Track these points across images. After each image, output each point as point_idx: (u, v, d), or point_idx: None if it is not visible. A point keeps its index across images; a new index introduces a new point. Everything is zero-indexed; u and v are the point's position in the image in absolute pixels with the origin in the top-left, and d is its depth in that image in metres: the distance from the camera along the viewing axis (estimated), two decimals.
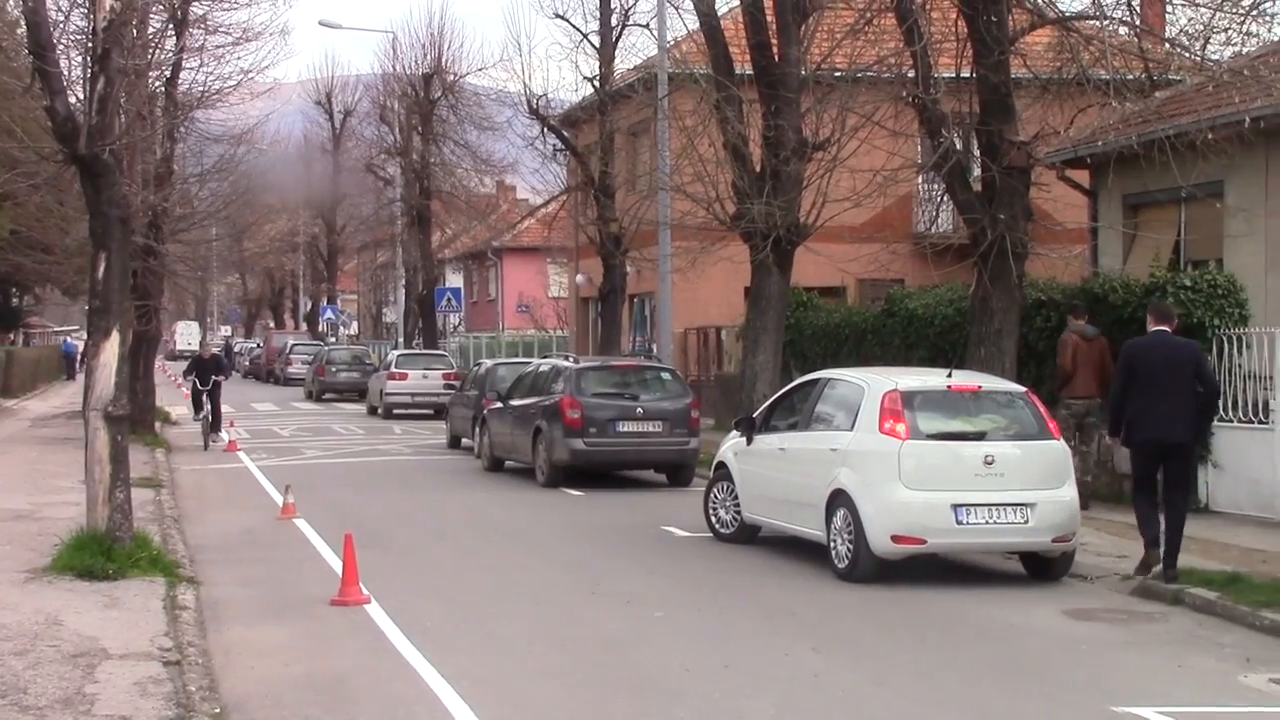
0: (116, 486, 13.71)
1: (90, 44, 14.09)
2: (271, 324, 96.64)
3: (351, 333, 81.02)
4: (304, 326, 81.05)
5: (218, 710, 9.10)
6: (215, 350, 34.27)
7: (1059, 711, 9.59)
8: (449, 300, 52.25)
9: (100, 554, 13.28)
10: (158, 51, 24.13)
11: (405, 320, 55.65)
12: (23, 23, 14.58)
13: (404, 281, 54.88)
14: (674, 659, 10.84)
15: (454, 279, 68.22)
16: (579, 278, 42.48)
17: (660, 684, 10.12)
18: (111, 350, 13.76)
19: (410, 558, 15.85)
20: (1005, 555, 14.92)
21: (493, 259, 66.73)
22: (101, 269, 13.89)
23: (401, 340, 55.15)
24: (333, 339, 70.59)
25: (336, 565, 14.01)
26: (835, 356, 25.74)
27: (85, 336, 16.22)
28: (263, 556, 15.82)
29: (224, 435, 30.44)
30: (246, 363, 75.21)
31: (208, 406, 29.92)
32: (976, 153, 19.28)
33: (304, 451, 29.56)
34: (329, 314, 73.98)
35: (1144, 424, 13.74)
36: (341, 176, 66.47)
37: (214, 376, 30.19)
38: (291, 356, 62.89)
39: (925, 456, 13.86)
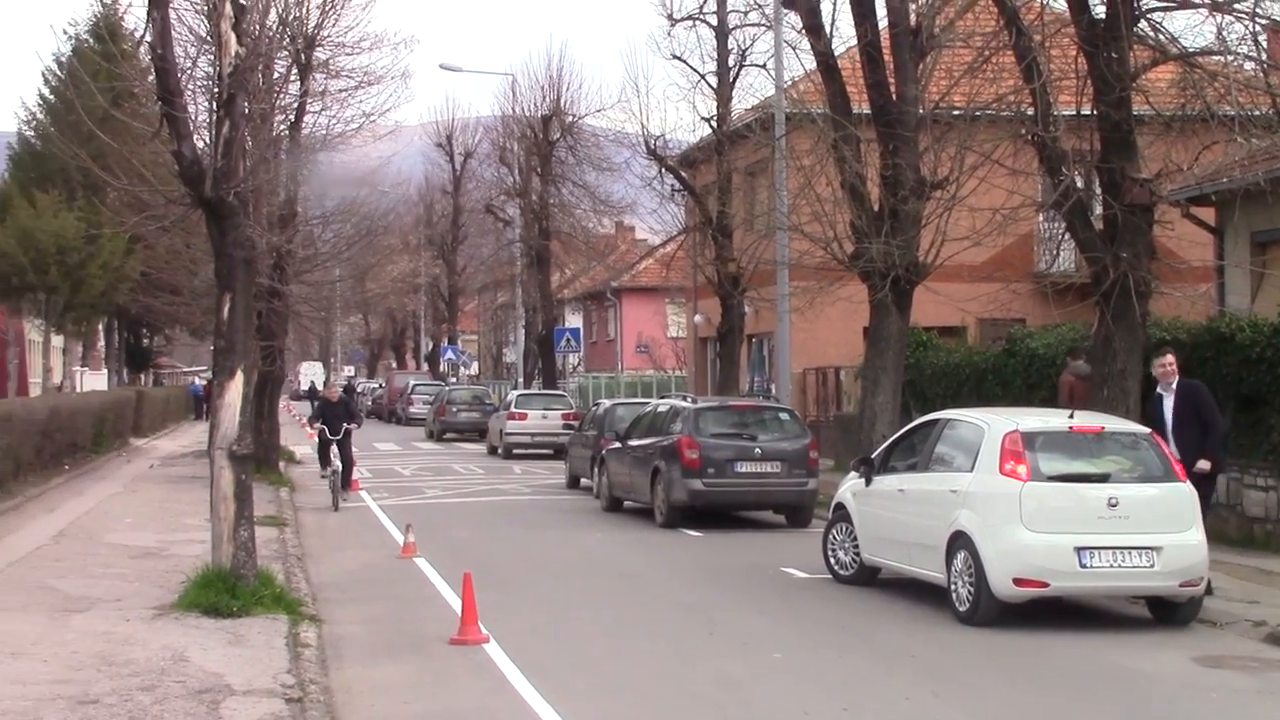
0: (241, 525, 13.91)
1: (216, 89, 14.40)
2: (394, 364, 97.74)
3: (472, 373, 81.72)
4: (425, 366, 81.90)
5: None
6: (341, 392, 30.16)
7: None
8: (568, 340, 52.43)
9: (225, 591, 13.48)
10: (281, 96, 24.62)
11: (525, 360, 55.98)
12: (152, 70, 14.88)
13: (523, 322, 55.25)
14: (793, 701, 10.77)
15: (573, 319, 68.60)
16: (697, 318, 42.52)
17: None
18: (236, 390, 13.98)
19: (529, 597, 15.90)
20: (1131, 599, 14.66)
21: (611, 299, 67.00)
22: (226, 310, 14.15)
23: (521, 380, 55.49)
24: (453, 379, 71.22)
25: (456, 604, 14.11)
26: (955, 397, 25.50)
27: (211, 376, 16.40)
28: (383, 595, 15.96)
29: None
30: (369, 402, 76.19)
31: (336, 461, 26.01)
32: (1098, 190, 19.05)
33: (425, 491, 29.80)
34: (450, 354, 74.72)
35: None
36: (462, 217, 67.07)
37: (345, 424, 26.37)
38: (413, 396, 63.70)
39: (1047, 498, 13.66)
